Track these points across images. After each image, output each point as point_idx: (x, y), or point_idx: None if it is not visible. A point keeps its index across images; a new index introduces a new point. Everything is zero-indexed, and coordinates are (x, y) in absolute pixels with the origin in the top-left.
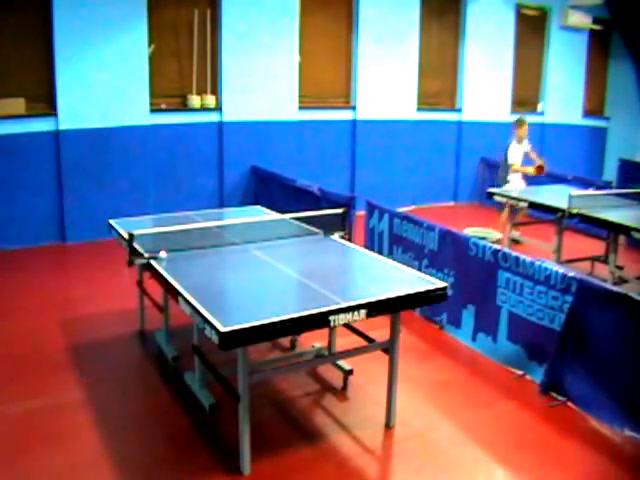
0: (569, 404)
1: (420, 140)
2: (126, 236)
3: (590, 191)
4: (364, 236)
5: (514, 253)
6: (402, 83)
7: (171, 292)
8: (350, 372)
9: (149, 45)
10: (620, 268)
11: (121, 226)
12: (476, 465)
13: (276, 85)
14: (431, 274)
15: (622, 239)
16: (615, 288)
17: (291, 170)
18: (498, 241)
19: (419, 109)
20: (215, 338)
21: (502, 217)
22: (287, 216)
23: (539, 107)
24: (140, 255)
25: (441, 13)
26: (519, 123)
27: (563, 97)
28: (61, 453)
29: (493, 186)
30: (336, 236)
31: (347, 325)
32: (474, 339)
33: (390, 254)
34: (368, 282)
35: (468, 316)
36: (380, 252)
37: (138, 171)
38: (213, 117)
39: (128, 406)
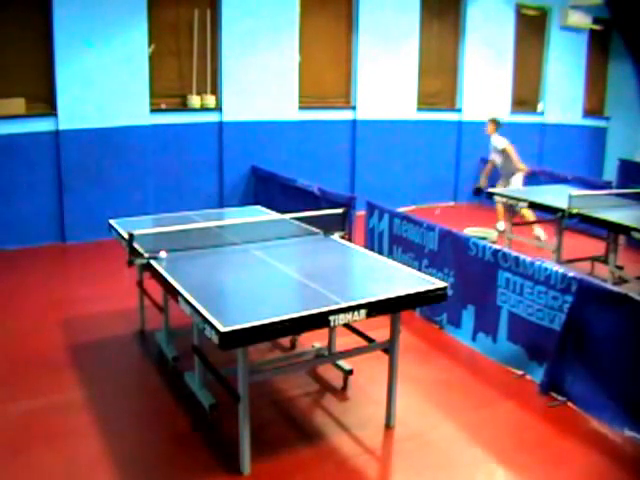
0: (569, 404)
1: (420, 140)
2: (126, 236)
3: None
4: (364, 236)
5: (514, 253)
6: (402, 83)
7: (171, 292)
8: (350, 372)
9: (149, 45)
10: (620, 268)
11: (121, 226)
12: (476, 465)
13: (276, 85)
14: (431, 274)
15: (622, 239)
16: (615, 288)
17: (291, 170)
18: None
19: (419, 109)
20: (215, 338)
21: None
22: (287, 216)
23: (539, 107)
24: (140, 255)
25: (441, 13)
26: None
27: (563, 97)
28: (61, 453)
29: (493, 186)
30: (336, 236)
31: (347, 325)
32: (474, 339)
33: (390, 254)
34: (368, 282)
35: (468, 316)
36: (380, 252)
37: (138, 171)
38: (213, 117)
39: (128, 406)
